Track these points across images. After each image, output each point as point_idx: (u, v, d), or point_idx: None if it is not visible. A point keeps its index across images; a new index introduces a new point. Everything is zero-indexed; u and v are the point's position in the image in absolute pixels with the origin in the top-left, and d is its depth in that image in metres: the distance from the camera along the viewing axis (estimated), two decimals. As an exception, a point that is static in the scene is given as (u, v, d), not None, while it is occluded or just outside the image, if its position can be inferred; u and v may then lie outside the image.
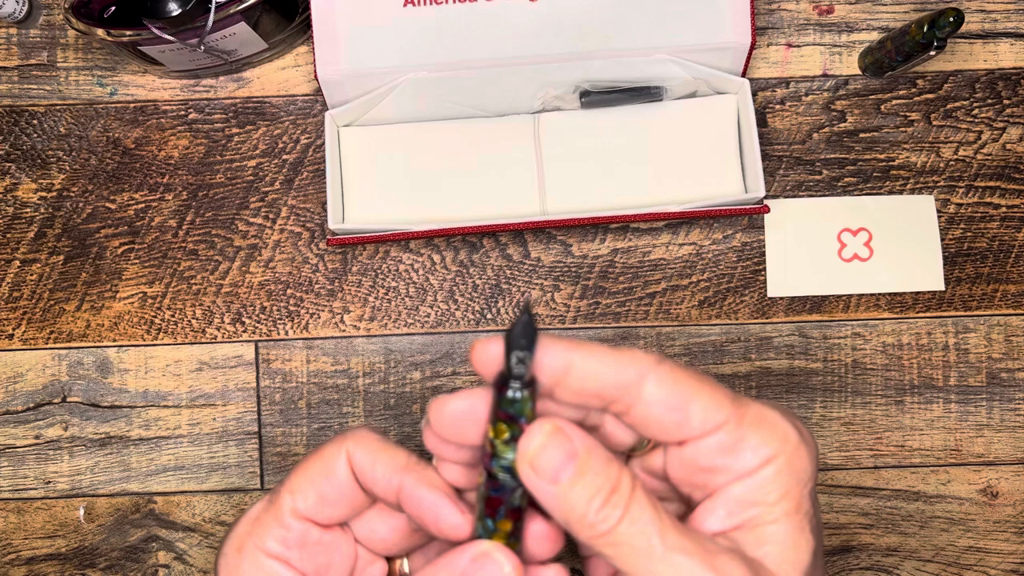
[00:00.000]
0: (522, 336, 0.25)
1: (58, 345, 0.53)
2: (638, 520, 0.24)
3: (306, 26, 0.52)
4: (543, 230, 0.54)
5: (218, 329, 0.53)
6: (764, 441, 0.26)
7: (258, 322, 0.53)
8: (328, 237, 0.52)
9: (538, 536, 0.28)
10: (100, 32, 0.48)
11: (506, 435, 0.26)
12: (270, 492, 0.31)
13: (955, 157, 0.54)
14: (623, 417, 0.27)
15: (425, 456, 0.30)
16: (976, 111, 0.54)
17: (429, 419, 0.27)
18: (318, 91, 0.53)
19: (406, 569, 0.33)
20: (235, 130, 0.54)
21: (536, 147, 0.53)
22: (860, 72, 0.54)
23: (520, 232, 0.54)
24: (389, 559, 0.33)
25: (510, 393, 0.25)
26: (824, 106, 0.54)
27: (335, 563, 0.31)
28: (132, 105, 0.54)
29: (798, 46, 0.54)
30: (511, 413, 0.25)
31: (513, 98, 0.52)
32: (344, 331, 0.54)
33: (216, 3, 0.45)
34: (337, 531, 0.31)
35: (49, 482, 0.53)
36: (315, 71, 0.50)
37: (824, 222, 0.53)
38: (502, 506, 0.26)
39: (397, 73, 0.50)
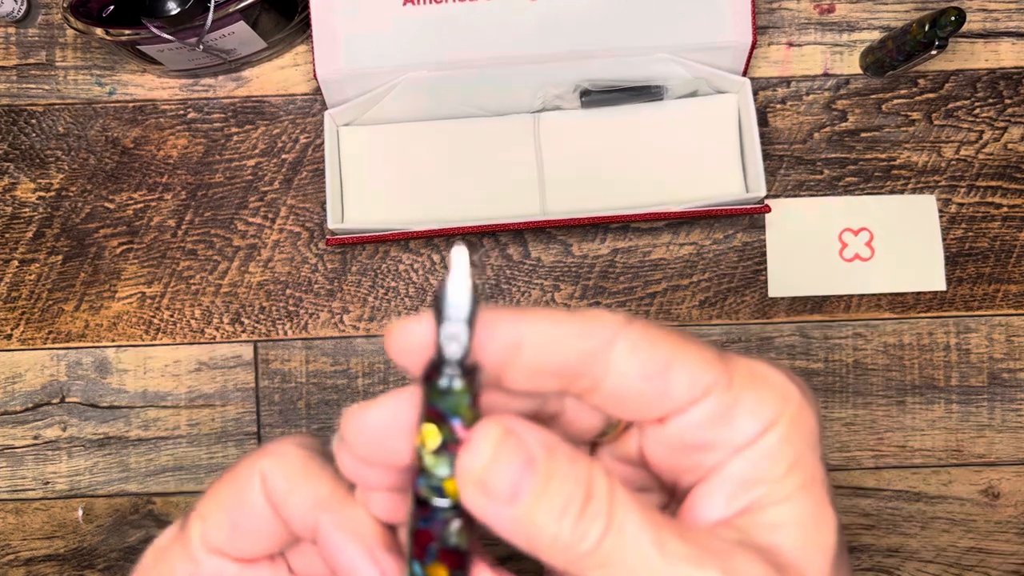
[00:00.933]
0: (454, 304, 0.19)
1: (57, 345, 0.53)
2: (625, 529, 0.19)
3: (305, 25, 0.52)
4: (543, 230, 0.53)
5: (217, 329, 0.53)
6: (761, 402, 0.21)
7: (257, 322, 0.53)
8: (327, 237, 0.52)
9: None
10: (99, 31, 0.48)
11: (436, 442, 0.19)
12: (182, 516, 0.25)
13: (956, 157, 0.53)
14: (589, 398, 0.21)
15: None
16: (977, 111, 0.54)
17: (342, 436, 0.21)
18: (317, 90, 0.53)
19: None
20: (234, 129, 0.54)
21: (536, 146, 0.52)
22: (861, 71, 0.54)
23: (520, 232, 0.53)
24: None
25: (441, 382, 0.19)
26: (825, 105, 0.54)
27: None
28: (131, 104, 0.54)
29: (799, 45, 0.54)
30: (441, 410, 0.19)
31: (513, 97, 0.52)
32: (344, 331, 0.53)
33: (215, 2, 0.45)
34: (263, 566, 0.25)
35: (48, 483, 0.53)
36: (314, 70, 0.49)
37: (825, 222, 0.53)
38: (433, 544, 0.20)
39: (396, 72, 0.50)
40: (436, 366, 0.19)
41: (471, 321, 0.19)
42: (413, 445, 0.20)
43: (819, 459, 0.22)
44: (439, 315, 0.19)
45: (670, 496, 0.24)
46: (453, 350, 0.19)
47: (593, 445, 0.24)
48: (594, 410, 0.22)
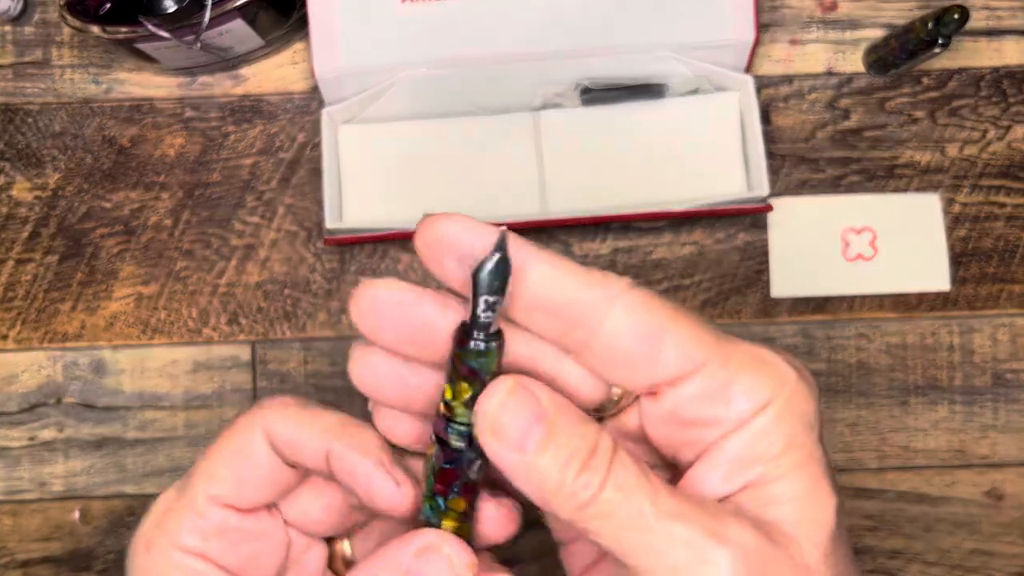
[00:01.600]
0: (495, 278, 0.21)
1: (53, 346, 0.53)
2: (624, 485, 0.21)
3: (303, 23, 0.51)
4: (543, 229, 0.53)
5: (214, 330, 0.53)
6: (756, 383, 0.22)
7: (255, 322, 0.53)
8: (325, 236, 0.51)
9: (492, 520, 0.25)
10: (95, 29, 0.47)
11: (467, 395, 0.22)
12: (180, 479, 0.27)
13: (960, 155, 0.53)
14: (583, 354, 0.23)
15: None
16: (981, 109, 0.53)
17: (351, 308, 0.23)
18: (315, 88, 0.53)
19: (348, 551, 0.29)
20: (231, 128, 0.53)
21: (536, 145, 0.52)
22: (864, 69, 0.53)
23: (520, 232, 0.53)
24: (329, 540, 0.29)
25: (475, 344, 0.21)
26: (828, 104, 0.53)
27: (264, 552, 0.27)
28: (127, 103, 0.53)
29: (802, 43, 0.54)
30: (475, 368, 0.21)
31: (513, 95, 0.51)
32: (342, 332, 0.53)
33: (212, 0, 0.45)
34: (263, 515, 0.27)
35: (44, 484, 0.53)
36: (312, 68, 0.49)
37: (828, 221, 0.53)
38: (457, 482, 0.23)
39: (395, 70, 0.49)
40: (469, 330, 0.21)
41: (504, 293, 0.21)
42: (443, 397, 0.22)
43: (816, 440, 0.23)
44: (478, 285, 0.21)
45: (672, 473, 0.25)
46: (487, 317, 0.21)
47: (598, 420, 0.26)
48: (591, 377, 0.23)
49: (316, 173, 0.53)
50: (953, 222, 0.53)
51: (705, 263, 0.53)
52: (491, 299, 0.21)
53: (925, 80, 0.53)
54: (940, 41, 0.47)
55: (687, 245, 0.53)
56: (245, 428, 0.26)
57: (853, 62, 0.53)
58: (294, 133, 0.53)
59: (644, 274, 0.53)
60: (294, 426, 0.25)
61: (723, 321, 0.53)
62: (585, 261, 0.53)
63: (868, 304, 0.53)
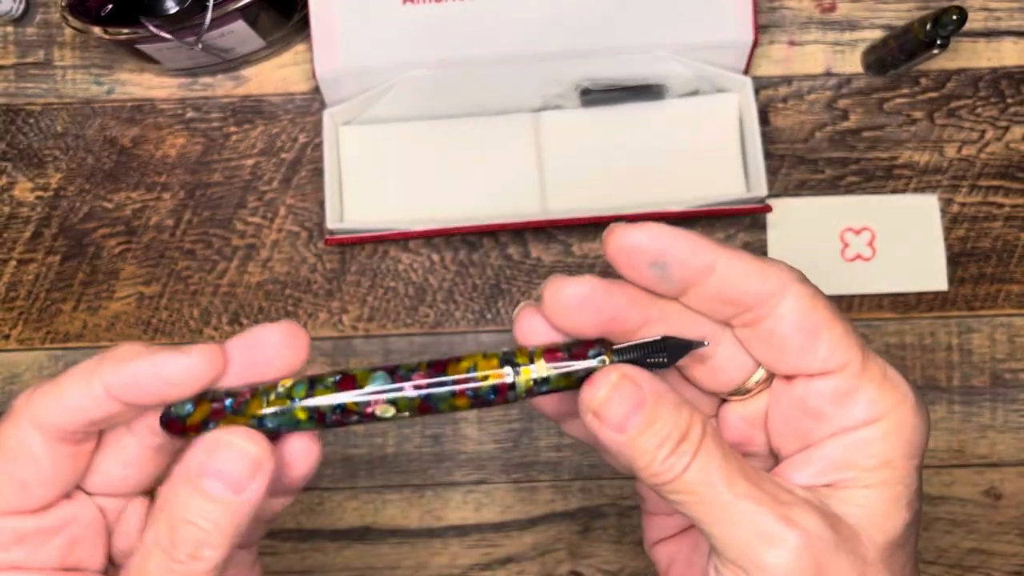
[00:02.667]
0: (666, 354, 0.24)
1: (55, 346, 0.53)
2: (705, 467, 0.23)
3: (304, 24, 0.52)
4: (543, 229, 0.53)
5: (216, 329, 0.53)
6: (878, 397, 0.24)
7: (256, 322, 0.53)
8: (326, 237, 0.52)
9: (298, 451, 0.26)
10: (97, 30, 0.47)
11: (541, 357, 0.24)
12: None
13: (958, 156, 0.53)
14: (748, 328, 0.25)
15: None
16: (979, 110, 0.53)
17: (542, 298, 0.25)
18: (316, 89, 0.53)
19: None
20: (232, 129, 0.53)
21: (536, 146, 0.52)
22: (863, 70, 0.54)
23: (520, 231, 0.53)
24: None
25: (592, 353, 0.24)
26: (827, 104, 0.53)
27: (79, 534, 0.26)
28: (129, 104, 0.54)
29: (800, 44, 0.54)
30: (577, 369, 0.24)
31: (513, 96, 0.51)
32: (342, 331, 0.53)
33: (213, 1, 0.45)
34: (63, 503, 0.26)
35: (46, 483, 0.53)
36: (313, 69, 0.49)
37: (826, 222, 0.53)
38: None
39: (396, 71, 0.50)
40: (603, 349, 0.24)
41: (651, 366, 0.24)
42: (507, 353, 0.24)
43: (913, 468, 0.24)
44: (644, 354, 0.24)
45: (774, 463, 0.27)
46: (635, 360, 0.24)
47: (723, 401, 0.28)
48: (740, 360, 0.26)
49: (317, 173, 0.53)
50: (951, 222, 0.53)
51: (704, 263, 0.53)
52: (655, 362, 0.24)
53: (923, 81, 0.53)
54: (938, 42, 0.47)
55: (686, 245, 0.53)
56: (11, 428, 0.24)
57: (852, 63, 0.54)
58: (295, 134, 0.53)
59: (644, 274, 0.53)
60: (60, 398, 0.24)
61: (722, 321, 0.53)
62: (585, 261, 0.53)
63: (867, 304, 0.53)
